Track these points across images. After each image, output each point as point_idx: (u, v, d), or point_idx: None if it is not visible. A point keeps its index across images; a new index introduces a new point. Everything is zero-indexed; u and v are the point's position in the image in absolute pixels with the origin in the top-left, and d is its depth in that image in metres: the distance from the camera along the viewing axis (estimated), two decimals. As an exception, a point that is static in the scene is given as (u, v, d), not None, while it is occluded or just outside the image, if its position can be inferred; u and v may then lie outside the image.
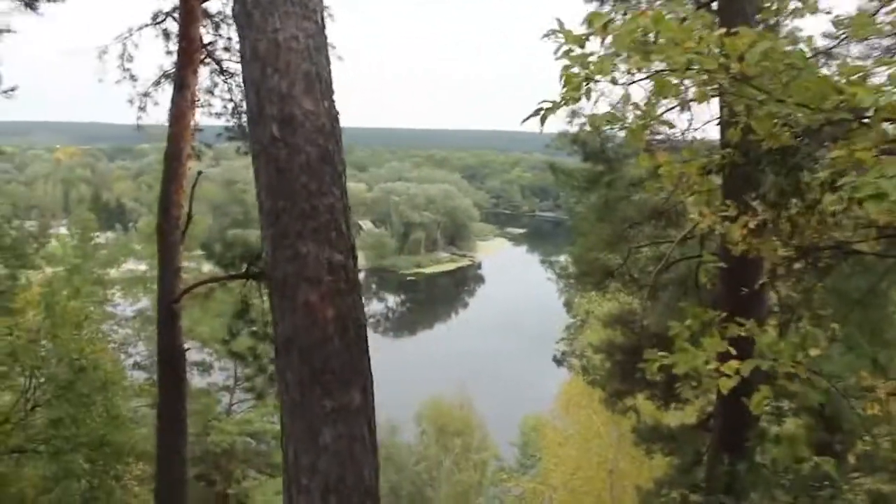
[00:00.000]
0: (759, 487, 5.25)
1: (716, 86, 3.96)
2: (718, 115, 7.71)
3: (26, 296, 19.62)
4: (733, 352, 4.19)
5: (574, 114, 14.20)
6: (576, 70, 3.81)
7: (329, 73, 3.75)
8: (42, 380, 14.90)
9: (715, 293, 11.88)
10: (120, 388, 15.39)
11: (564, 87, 3.89)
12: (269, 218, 3.60)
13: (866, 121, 3.49)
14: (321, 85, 3.65)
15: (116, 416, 14.60)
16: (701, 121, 11.76)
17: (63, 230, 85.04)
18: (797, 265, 6.57)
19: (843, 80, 3.50)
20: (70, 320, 15.13)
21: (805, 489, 4.89)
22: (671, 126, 4.78)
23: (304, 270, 3.51)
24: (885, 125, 3.46)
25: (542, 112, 3.95)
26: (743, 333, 3.99)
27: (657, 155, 4.54)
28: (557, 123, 15.08)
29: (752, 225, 4.80)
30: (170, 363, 12.83)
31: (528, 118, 3.97)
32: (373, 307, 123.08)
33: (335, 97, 3.75)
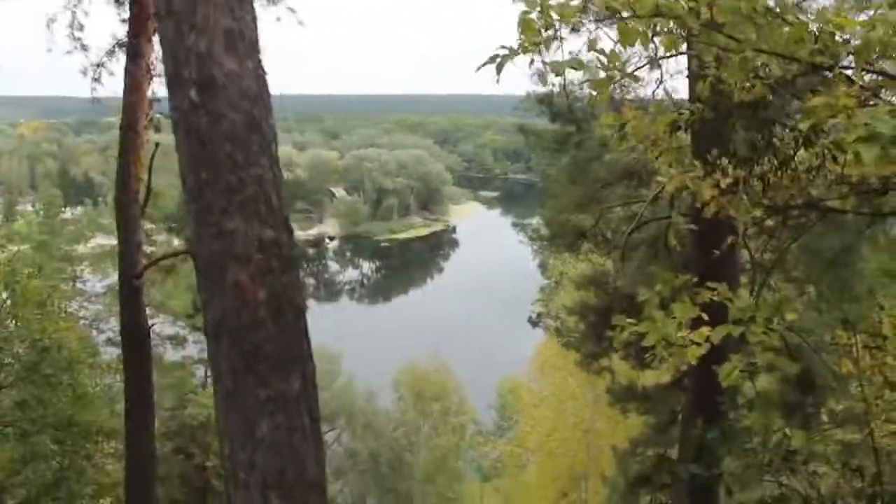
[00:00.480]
0: (731, 453, 5.13)
1: (684, 34, 3.73)
2: (687, 70, 7.50)
3: (-14, 275, 19.09)
4: (705, 317, 4.01)
5: (541, 76, 13.91)
6: (534, 16, 3.55)
7: (255, 29, 3.39)
8: (6, 361, 14.57)
9: (686, 255, 11.76)
10: (86, 366, 15.04)
11: (521, 34, 3.62)
12: (191, 192, 3.29)
13: (846, 70, 3.28)
14: (245, 43, 3.30)
15: (83, 396, 14.31)
16: (669, 76, 11.54)
17: (29, 207, 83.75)
18: (769, 224, 6.41)
19: (820, 27, 3.27)
20: (33, 299, 14.76)
21: (778, 453, 4.78)
22: (636, 80, 4.54)
23: (232, 248, 3.21)
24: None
25: (499, 59, 3.69)
26: (715, 298, 3.80)
27: (624, 111, 4.30)
28: (526, 83, 14.77)
29: (723, 184, 4.59)
30: (133, 340, 12.53)
31: (482, 65, 3.71)
32: (347, 274, 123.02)
33: (262, 56, 3.39)
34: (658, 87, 10.13)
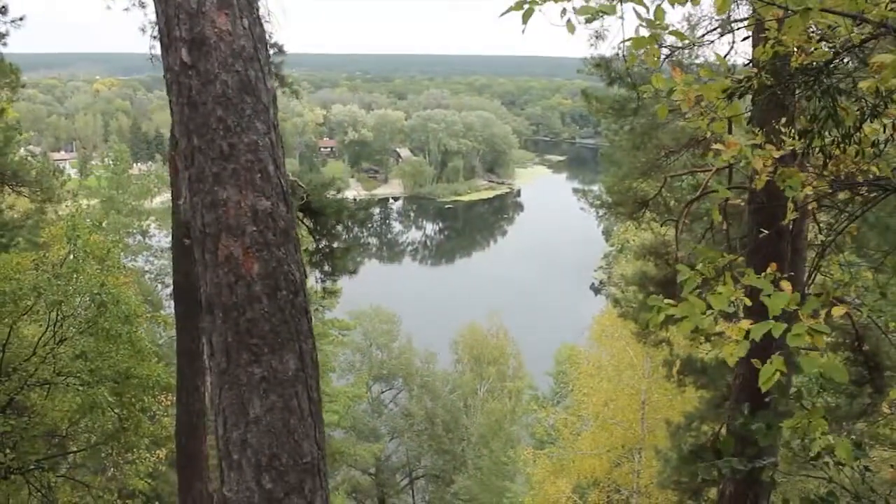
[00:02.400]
0: (775, 445, 4.82)
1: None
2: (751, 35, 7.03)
3: (52, 230, 19.57)
4: (747, 303, 3.68)
5: (598, 36, 13.45)
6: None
7: None
8: (68, 314, 14.91)
9: (743, 229, 11.26)
10: (144, 321, 15.31)
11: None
12: (184, 158, 3.12)
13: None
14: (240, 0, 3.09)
15: (140, 350, 14.55)
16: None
17: (99, 162, 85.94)
18: (829, 200, 5.97)
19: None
20: (93, 254, 15.02)
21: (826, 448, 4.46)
22: (683, 37, 4.16)
23: (225, 219, 3.04)
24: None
25: (526, 6, 3.37)
26: (759, 283, 3.45)
27: (674, 74, 3.96)
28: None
29: (776, 155, 4.22)
30: (185, 298, 12.68)
31: (506, 11, 3.40)
32: (410, 235, 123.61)
33: (259, 14, 3.17)
34: (728, 53, 9.62)
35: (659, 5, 3.50)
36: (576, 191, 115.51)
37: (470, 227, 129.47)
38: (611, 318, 25.54)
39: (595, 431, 25.42)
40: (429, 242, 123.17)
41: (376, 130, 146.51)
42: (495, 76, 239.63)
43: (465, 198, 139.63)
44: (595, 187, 63.06)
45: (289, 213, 3.21)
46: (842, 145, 4.08)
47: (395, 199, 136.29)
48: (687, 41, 7.92)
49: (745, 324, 3.42)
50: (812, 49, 3.69)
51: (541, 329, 61.39)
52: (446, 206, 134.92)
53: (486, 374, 46.71)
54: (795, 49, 3.68)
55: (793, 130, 4.36)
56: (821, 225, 12.02)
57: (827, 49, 3.65)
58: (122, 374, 14.43)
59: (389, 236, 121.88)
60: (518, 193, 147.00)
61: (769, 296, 3.33)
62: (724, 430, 15.37)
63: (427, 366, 47.10)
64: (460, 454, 42.25)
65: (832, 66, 3.80)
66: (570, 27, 3.49)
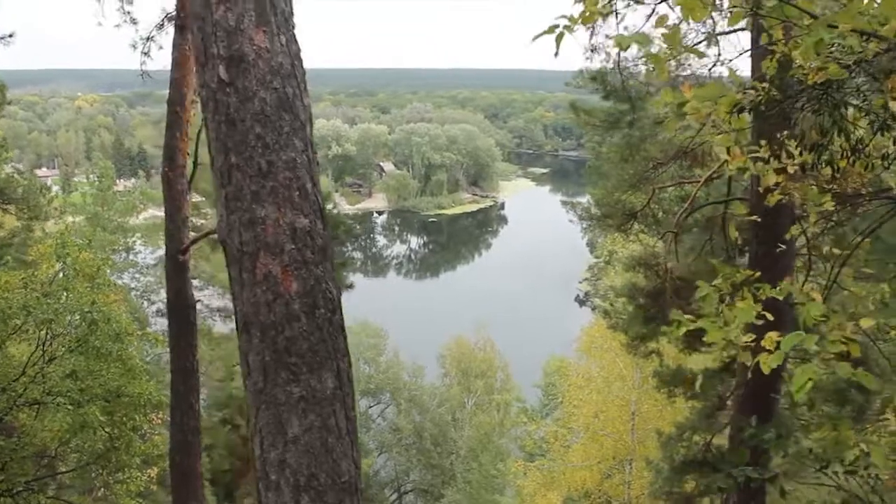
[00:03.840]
0: (787, 454, 4.85)
1: (751, 8, 3.43)
2: (750, 48, 7.12)
3: (40, 248, 19.44)
4: (770, 317, 3.72)
5: (594, 49, 13.57)
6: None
7: (289, 1, 3.18)
8: (58, 332, 14.77)
9: (742, 240, 11.35)
10: (135, 338, 15.19)
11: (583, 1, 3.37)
12: (221, 177, 3.10)
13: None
14: (277, 16, 3.09)
15: (131, 368, 14.41)
16: (730, 55, 11.11)
17: (84, 178, 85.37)
18: (829, 212, 6.04)
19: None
20: (83, 271, 14.91)
21: (836, 455, 4.50)
22: (700, 55, 4.23)
23: (263, 237, 3.03)
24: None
25: (558, 30, 3.44)
26: (777, 296, 3.49)
27: (683, 89, 4.02)
28: (579, 59, 14.39)
29: (791, 169, 4.27)
30: (179, 315, 12.62)
31: (539, 35, 3.47)
32: (395, 249, 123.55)
33: (295, 31, 3.19)
34: (714, 64, 9.74)
35: (676, 25, 3.56)
36: (564, 203, 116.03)
37: (454, 241, 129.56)
38: (600, 330, 25.66)
39: (585, 443, 25.49)
40: (413, 256, 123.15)
41: (360, 144, 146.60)
42: (478, 89, 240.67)
43: (450, 211, 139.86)
44: (583, 199, 63.40)
45: (325, 230, 3.19)
46: (850, 158, 4.15)
47: (380, 213, 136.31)
48: (685, 52, 8.02)
49: (774, 335, 3.46)
50: (823, 64, 3.74)
51: (527, 341, 61.40)
52: (430, 220, 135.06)
53: (473, 387, 46.69)
54: (808, 67, 3.73)
55: (799, 144, 4.41)
56: (808, 236, 12.16)
57: (840, 67, 3.70)
58: (112, 393, 14.27)
59: (374, 250, 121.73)
60: (502, 206, 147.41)
61: (802, 300, 3.37)
62: (714, 441, 15.47)
63: (415, 380, 47.07)
64: (449, 468, 42.15)
65: (841, 80, 3.87)
66: (596, 55, 3.54)
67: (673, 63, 13.76)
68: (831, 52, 3.63)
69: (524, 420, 35.48)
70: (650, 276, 17.77)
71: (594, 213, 18.72)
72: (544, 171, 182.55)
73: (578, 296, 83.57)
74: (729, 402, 15.34)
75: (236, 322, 3.22)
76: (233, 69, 3.05)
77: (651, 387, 20.48)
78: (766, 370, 3.55)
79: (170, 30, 14.01)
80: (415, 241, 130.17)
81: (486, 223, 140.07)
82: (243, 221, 3.07)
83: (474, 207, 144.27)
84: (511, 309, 78.51)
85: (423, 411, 44.56)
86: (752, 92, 4.12)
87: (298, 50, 3.21)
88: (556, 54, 3.53)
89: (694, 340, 16.80)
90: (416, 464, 43.45)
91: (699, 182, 13.25)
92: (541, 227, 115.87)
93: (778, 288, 3.52)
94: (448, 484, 40.64)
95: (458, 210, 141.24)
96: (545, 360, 47.88)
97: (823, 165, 4.32)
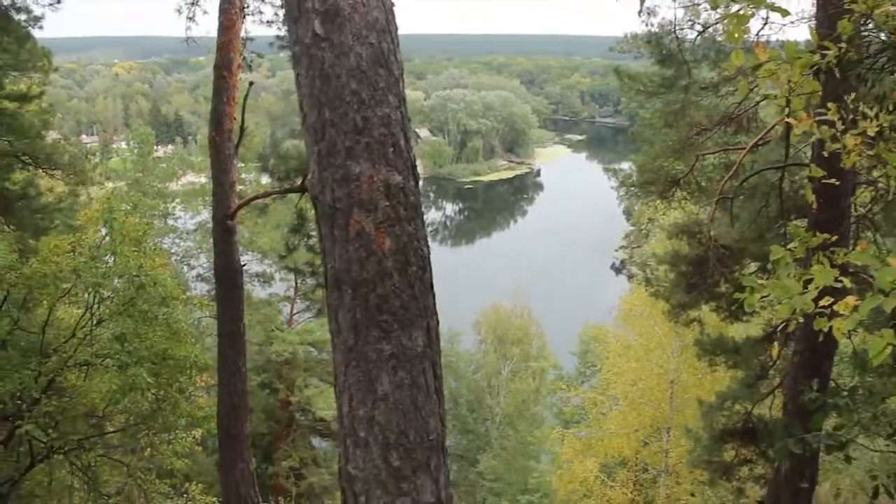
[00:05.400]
0: (856, 421, 4.79)
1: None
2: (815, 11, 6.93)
3: (87, 212, 19.74)
4: (847, 283, 3.63)
5: (651, 13, 13.36)
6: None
7: None
8: (105, 296, 15.04)
9: (794, 207, 11.17)
10: (180, 302, 15.43)
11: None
12: (314, 133, 3.08)
13: None
14: None
15: (177, 331, 14.65)
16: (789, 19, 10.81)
17: (124, 145, 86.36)
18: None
19: None
20: (129, 236, 15.12)
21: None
22: (785, 13, 4.08)
23: (357, 194, 3.01)
24: None
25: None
26: (855, 261, 3.42)
27: (757, 51, 3.90)
28: (617, 25, 14.19)
29: (871, 132, 4.15)
30: (226, 279, 12.75)
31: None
32: (430, 216, 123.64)
33: None
34: (762, 28, 9.50)
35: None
36: (606, 170, 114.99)
37: (490, 208, 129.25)
38: (639, 297, 25.49)
39: (623, 411, 25.45)
40: (449, 223, 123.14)
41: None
42: (514, 55, 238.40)
43: (485, 178, 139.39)
44: (621, 166, 62.73)
45: (416, 187, 3.19)
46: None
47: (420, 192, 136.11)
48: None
49: (852, 299, 3.39)
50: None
51: (563, 308, 61.33)
52: (466, 187, 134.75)
53: (509, 353, 46.76)
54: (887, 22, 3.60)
55: (878, 106, 4.28)
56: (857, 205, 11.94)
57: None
58: (159, 355, 14.53)
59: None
60: (538, 173, 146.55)
61: (876, 270, 3.29)
62: (755, 410, 15.36)
63: (451, 346, 47.25)
64: (485, 434, 42.42)
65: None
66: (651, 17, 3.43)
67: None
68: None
69: (561, 387, 35.48)
70: (693, 243, 17.58)
71: (636, 180, 18.52)
72: (580, 137, 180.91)
73: (614, 263, 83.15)
74: (771, 372, 15.21)
75: (326, 279, 3.20)
76: (328, 23, 3.01)
77: (691, 355, 20.35)
78: (838, 336, 3.48)
79: (214, -6, 14.04)
80: (450, 208, 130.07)
81: (521, 190, 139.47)
82: (336, 178, 3.05)
83: (510, 174, 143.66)
84: (546, 276, 78.40)
85: (458, 377, 44.77)
86: (829, 52, 4.00)
87: (392, 4, 3.17)
88: (640, 12, 3.42)
89: (736, 309, 16.68)
90: (452, 429, 43.76)
91: (745, 149, 13.04)
92: (577, 194, 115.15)
93: (853, 252, 3.46)
94: (483, 450, 40.93)
95: (493, 177, 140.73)
96: (581, 328, 47.76)
97: (897, 129, 4.21)
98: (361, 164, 3.02)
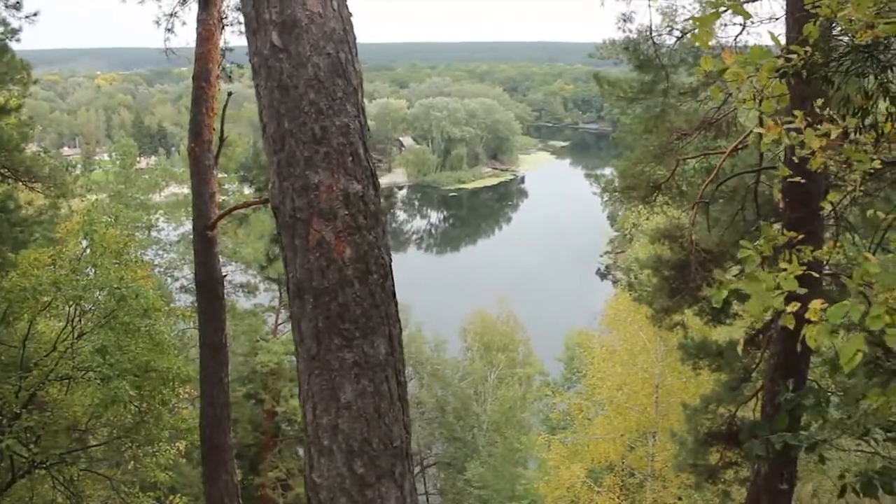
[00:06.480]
0: (826, 421, 4.81)
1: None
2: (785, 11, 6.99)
3: (67, 225, 19.60)
4: (815, 274, 3.65)
5: (627, 19, 13.44)
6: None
7: None
8: (87, 308, 14.96)
9: (771, 209, 11.25)
10: (162, 314, 15.35)
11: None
12: (273, 143, 3.10)
13: None
14: None
15: (159, 343, 14.58)
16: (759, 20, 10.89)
17: (106, 156, 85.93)
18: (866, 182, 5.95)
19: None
20: (110, 248, 15.05)
21: (878, 422, 4.47)
22: (747, 16, 4.11)
23: (317, 204, 3.04)
24: None
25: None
26: (825, 257, 3.44)
27: (724, 55, 3.94)
28: (597, 32, 14.29)
29: (834, 134, 4.20)
30: (207, 290, 12.69)
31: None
32: (415, 224, 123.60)
33: None
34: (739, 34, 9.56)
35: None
36: (588, 176, 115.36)
37: (475, 215, 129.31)
38: (623, 303, 25.57)
39: (609, 416, 25.49)
40: (434, 231, 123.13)
41: (378, 119, 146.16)
42: (496, 62, 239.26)
43: (470, 185, 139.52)
44: (604, 172, 63.03)
45: (377, 196, 3.21)
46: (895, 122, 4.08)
47: (399, 187, 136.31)
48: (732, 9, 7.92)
49: (818, 303, 3.40)
50: (874, 25, 3.66)
51: (548, 315, 61.41)
52: (450, 194, 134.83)
53: (496, 360, 46.75)
54: (857, 24, 3.64)
55: (842, 109, 4.32)
56: (836, 209, 12.05)
57: (888, 25, 3.60)
58: (141, 368, 14.46)
59: (394, 225, 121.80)
60: (522, 180, 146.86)
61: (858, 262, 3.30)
62: (739, 413, 15.42)
63: (437, 354, 47.14)
64: (472, 441, 42.31)
65: (887, 42, 3.79)
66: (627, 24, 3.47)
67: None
68: (882, 7, 3.54)
69: (547, 393, 35.52)
70: (675, 248, 17.65)
71: (618, 185, 18.58)
72: (564, 144, 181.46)
73: (599, 269, 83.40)
74: (754, 375, 15.28)
75: (288, 289, 3.22)
76: (286, 35, 3.04)
77: (675, 359, 20.42)
78: (812, 344, 3.49)
79: (193, 5, 13.99)
80: (435, 216, 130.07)
81: (506, 197, 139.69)
82: (296, 188, 3.07)
83: (494, 181, 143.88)
84: (532, 282, 78.45)
85: (445, 385, 44.66)
86: (794, 56, 4.04)
87: (350, 14, 3.19)
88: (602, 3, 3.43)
89: (719, 313, 16.76)
90: (439, 437, 43.61)
91: (724, 153, 13.12)
92: (561, 200, 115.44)
93: (819, 251, 3.48)
94: (471, 457, 40.82)
95: (478, 184, 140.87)
96: (567, 334, 47.85)
97: (867, 129, 4.25)
98: (320, 173, 3.04)
